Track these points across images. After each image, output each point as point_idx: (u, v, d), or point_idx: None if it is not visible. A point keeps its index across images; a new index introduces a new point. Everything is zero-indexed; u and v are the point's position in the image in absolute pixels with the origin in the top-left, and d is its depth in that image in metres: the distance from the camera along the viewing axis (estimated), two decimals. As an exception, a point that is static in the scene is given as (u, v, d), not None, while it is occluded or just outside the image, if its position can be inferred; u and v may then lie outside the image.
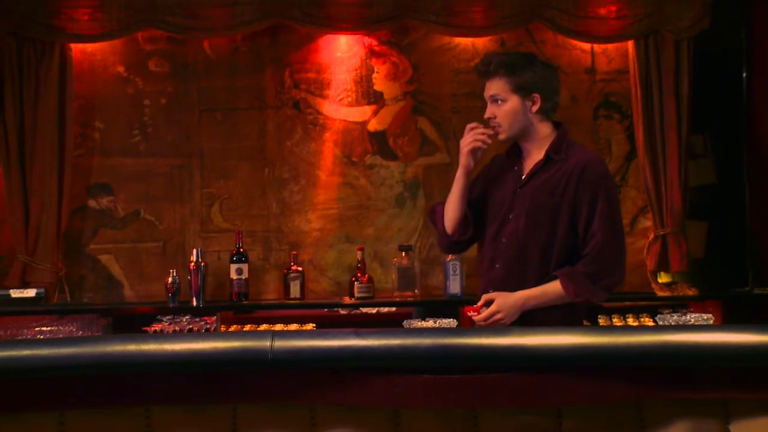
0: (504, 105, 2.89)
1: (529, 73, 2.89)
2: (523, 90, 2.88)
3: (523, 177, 2.93)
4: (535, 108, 2.89)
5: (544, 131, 2.93)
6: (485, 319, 2.85)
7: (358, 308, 4.61)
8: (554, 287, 2.82)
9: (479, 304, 2.89)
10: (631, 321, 4.30)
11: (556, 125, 2.97)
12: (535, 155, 2.94)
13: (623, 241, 2.91)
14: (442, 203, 3.12)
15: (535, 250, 2.85)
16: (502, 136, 2.94)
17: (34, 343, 1.78)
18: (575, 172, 2.84)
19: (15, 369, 1.72)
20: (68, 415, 1.76)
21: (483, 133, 2.92)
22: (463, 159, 2.95)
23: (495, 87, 2.90)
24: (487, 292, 2.93)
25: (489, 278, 2.95)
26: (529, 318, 2.84)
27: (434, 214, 3.17)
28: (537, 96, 2.89)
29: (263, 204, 4.74)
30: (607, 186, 2.85)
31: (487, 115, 2.94)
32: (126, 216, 4.72)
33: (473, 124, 2.95)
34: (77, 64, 4.64)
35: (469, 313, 2.92)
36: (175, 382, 1.75)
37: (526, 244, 2.86)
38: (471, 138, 2.93)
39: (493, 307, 2.84)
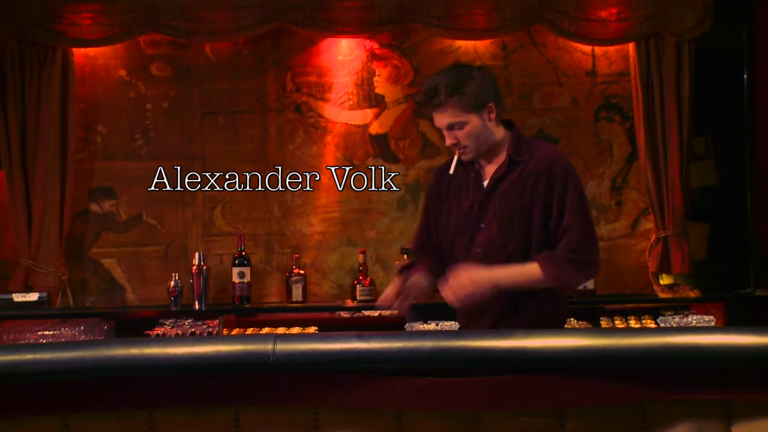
0: (465, 127, 2.79)
1: (474, 84, 2.78)
2: (478, 106, 2.79)
3: (485, 183, 2.86)
4: (492, 116, 2.82)
5: (500, 134, 2.86)
6: (455, 292, 2.76)
7: (360, 311, 4.61)
8: (531, 268, 2.75)
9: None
10: (632, 323, 4.29)
11: (507, 125, 2.91)
12: (493, 159, 2.87)
13: (594, 230, 2.86)
14: (410, 265, 3.05)
15: (514, 254, 2.80)
16: (469, 157, 2.85)
17: (36, 347, 1.78)
18: (543, 169, 2.79)
19: (18, 373, 1.73)
20: (71, 419, 1.76)
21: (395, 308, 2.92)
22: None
23: (449, 115, 2.78)
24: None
25: None
26: (504, 321, 2.80)
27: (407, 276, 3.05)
28: (491, 105, 2.81)
29: (265, 207, 4.74)
30: (574, 178, 2.81)
31: (449, 143, 2.84)
32: (128, 220, 4.73)
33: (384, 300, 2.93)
34: (79, 68, 4.65)
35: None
36: (178, 386, 1.75)
37: (503, 248, 2.81)
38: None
39: (464, 279, 2.75)
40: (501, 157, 2.85)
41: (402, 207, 4.76)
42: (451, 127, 2.81)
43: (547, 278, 2.74)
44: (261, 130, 4.75)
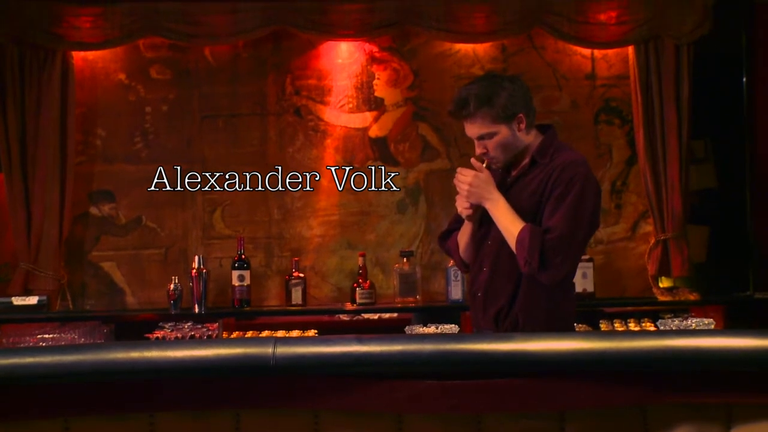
0: (494, 137, 2.82)
1: (504, 95, 2.80)
2: (507, 117, 2.81)
3: (509, 180, 2.91)
4: (522, 126, 2.84)
5: (530, 140, 2.89)
6: (462, 179, 2.83)
7: (359, 314, 4.62)
8: (517, 225, 2.76)
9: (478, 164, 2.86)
10: (632, 326, 4.30)
11: (543, 129, 2.93)
12: (521, 161, 2.91)
13: (577, 245, 2.80)
14: (449, 231, 3.10)
15: None
16: (498, 166, 2.89)
17: (36, 350, 1.79)
18: (556, 172, 2.80)
19: (18, 376, 1.73)
20: (71, 422, 1.76)
21: (459, 181, 2.87)
22: (464, 218, 2.95)
23: (479, 126, 2.82)
24: (475, 294, 2.93)
25: (478, 280, 2.93)
26: (512, 325, 2.82)
27: (445, 244, 3.13)
28: (521, 115, 2.83)
29: (265, 210, 4.74)
30: (580, 188, 2.77)
31: (478, 152, 2.86)
32: (128, 223, 4.72)
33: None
34: (79, 72, 4.65)
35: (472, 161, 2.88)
36: (178, 389, 1.75)
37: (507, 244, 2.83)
38: (458, 202, 2.91)
39: (469, 177, 2.82)
40: (527, 159, 2.90)
41: (402, 210, 4.76)
42: (481, 138, 2.84)
43: (518, 242, 2.74)
44: (260, 134, 4.75)
